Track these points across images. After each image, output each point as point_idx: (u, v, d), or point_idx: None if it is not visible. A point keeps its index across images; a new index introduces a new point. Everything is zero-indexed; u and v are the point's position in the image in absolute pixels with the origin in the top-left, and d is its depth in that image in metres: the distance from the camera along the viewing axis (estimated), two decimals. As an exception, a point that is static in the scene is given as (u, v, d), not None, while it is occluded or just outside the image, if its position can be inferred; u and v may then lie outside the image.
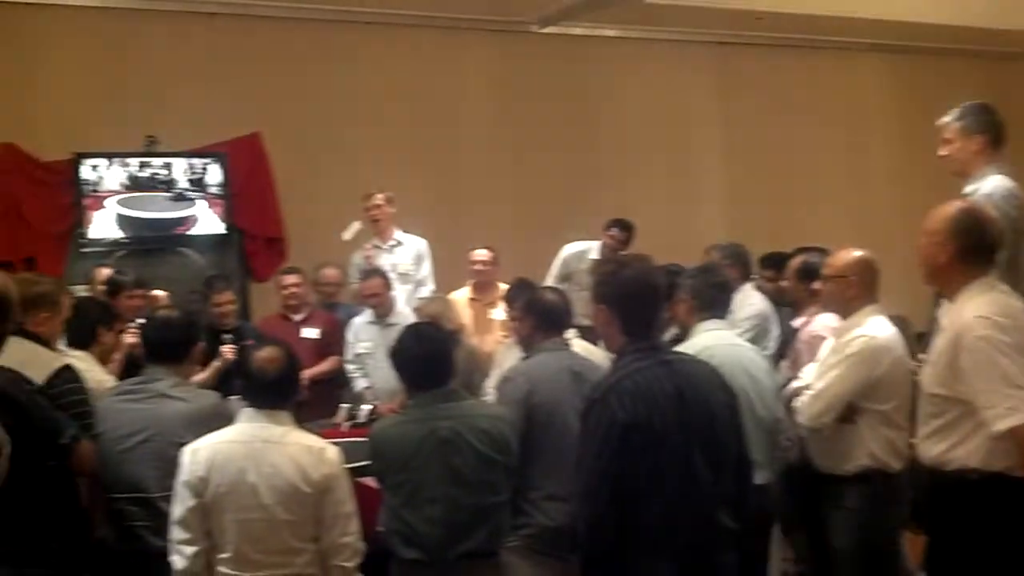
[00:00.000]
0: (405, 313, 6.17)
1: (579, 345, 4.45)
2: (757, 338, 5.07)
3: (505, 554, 3.51)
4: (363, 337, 6.21)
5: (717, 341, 3.95)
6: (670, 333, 4.33)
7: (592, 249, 7.11)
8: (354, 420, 5.76)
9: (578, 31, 8.88)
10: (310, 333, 6.33)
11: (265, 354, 3.25)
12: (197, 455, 3.18)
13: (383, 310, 6.17)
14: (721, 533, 2.77)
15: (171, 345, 3.84)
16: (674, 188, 9.16)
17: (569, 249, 7.24)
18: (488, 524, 3.35)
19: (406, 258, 6.84)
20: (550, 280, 6.93)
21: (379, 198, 6.83)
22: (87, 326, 4.38)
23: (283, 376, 3.25)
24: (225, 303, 6.02)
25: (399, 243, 6.89)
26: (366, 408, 5.87)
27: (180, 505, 3.16)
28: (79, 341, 4.35)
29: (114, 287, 5.53)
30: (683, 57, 9.39)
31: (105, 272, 5.81)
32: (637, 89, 9.16)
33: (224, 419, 3.47)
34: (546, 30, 8.64)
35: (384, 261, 6.72)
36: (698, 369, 2.89)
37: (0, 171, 6.94)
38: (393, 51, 8.18)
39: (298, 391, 3.37)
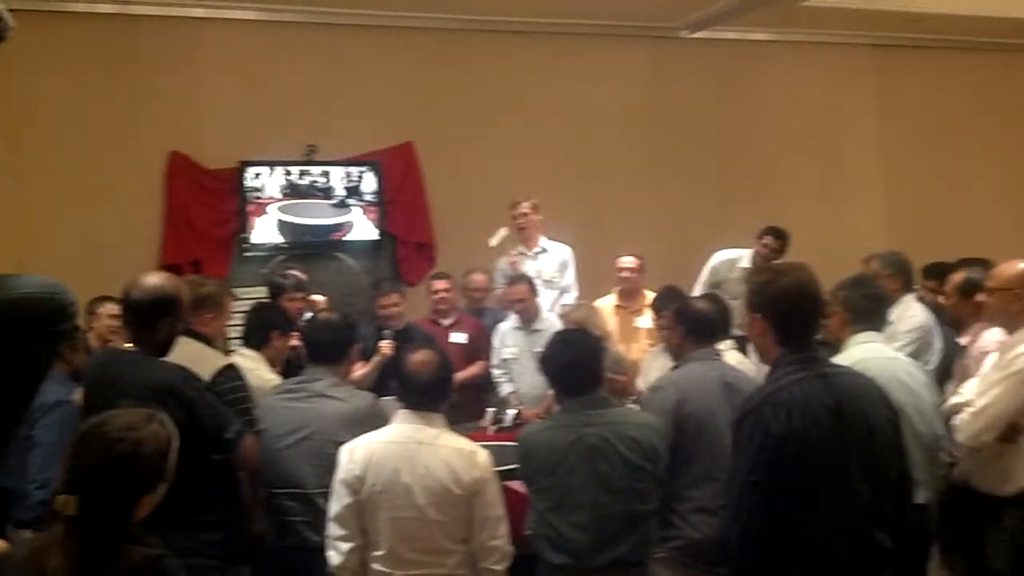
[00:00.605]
0: (550, 319, 6.21)
1: (732, 356, 4.40)
2: (919, 352, 4.88)
3: (652, 565, 3.48)
4: (509, 343, 6.27)
5: (871, 354, 3.79)
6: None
7: (743, 257, 6.99)
8: (500, 424, 5.83)
9: (729, 35, 8.77)
10: (458, 338, 6.40)
11: (419, 357, 3.32)
12: (354, 454, 3.27)
13: (528, 315, 6.21)
14: (877, 552, 2.68)
15: (331, 346, 3.98)
16: (828, 195, 8.93)
17: (719, 257, 7.13)
18: (636, 533, 3.33)
19: (551, 265, 6.86)
20: (698, 288, 6.85)
21: (525, 206, 6.86)
22: (262, 329, 4.63)
23: (436, 379, 3.31)
24: (391, 305, 6.10)
25: (544, 250, 6.91)
26: (511, 412, 5.93)
27: (337, 502, 3.25)
28: (252, 342, 4.61)
29: (276, 289, 5.76)
30: (838, 60, 9.15)
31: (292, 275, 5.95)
32: (789, 93, 8.98)
33: (379, 419, 3.57)
34: (696, 35, 8.55)
35: (529, 268, 6.76)
36: (858, 382, 2.79)
37: (170, 178, 7.30)
38: (541, 58, 8.25)
39: (451, 394, 3.43)
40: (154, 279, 3.40)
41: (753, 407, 2.67)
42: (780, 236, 6.86)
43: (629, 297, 6.50)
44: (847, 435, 2.64)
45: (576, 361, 3.42)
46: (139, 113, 7.21)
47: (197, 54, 7.42)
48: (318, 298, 5.97)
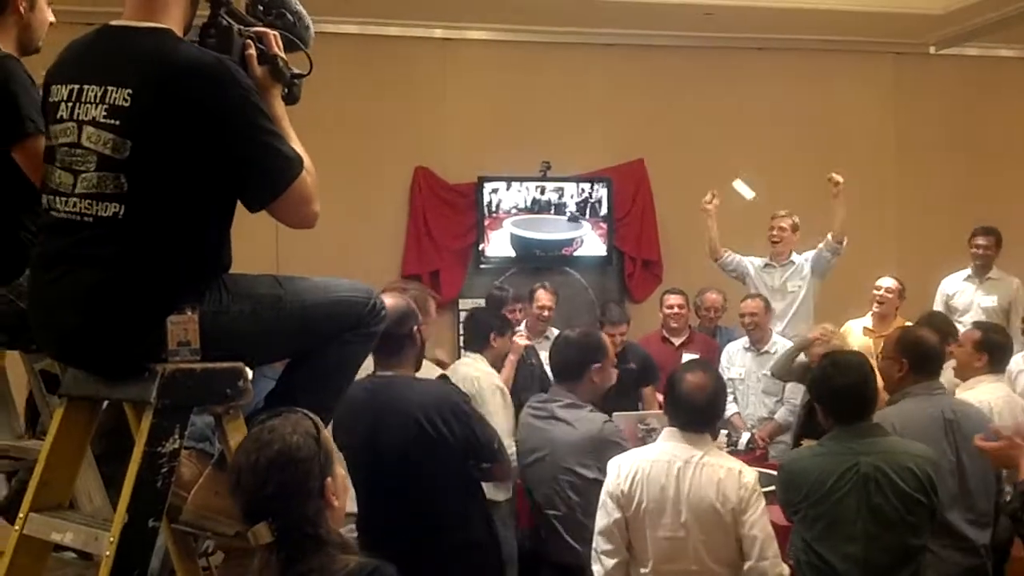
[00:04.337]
0: (782, 342, 6.08)
1: (994, 389, 4.18)
2: None
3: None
4: (736, 362, 6.20)
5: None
6: None
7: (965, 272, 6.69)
8: (733, 447, 5.74)
9: (972, 52, 8.43)
10: (689, 357, 6.36)
11: (694, 379, 3.28)
12: (622, 469, 3.28)
13: (758, 334, 6.10)
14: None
15: (569, 365, 3.92)
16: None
17: (945, 281, 6.85)
18: (908, 568, 3.21)
19: (796, 277, 6.63)
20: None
21: (784, 222, 6.63)
22: (481, 332, 5.04)
23: (710, 402, 3.29)
24: (619, 335, 5.94)
25: (792, 263, 6.67)
26: (745, 436, 5.85)
27: (604, 516, 3.28)
28: (475, 345, 5.02)
29: (496, 302, 6.06)
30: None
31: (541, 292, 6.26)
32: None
33: (608, 444, 3.60)
34: (942, 52, 8.24)
35: (774, 278, 6.63)
36: None
37: (414, 192, 7.62)
38: (776, 74, 8.12)
39: (722, 415, 3.40)
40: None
41: None
42: (990, 233, 6.59)
43: (882, 321, 6.20)
44: None
45: (849, 387, 3.33)
46: (390, 129, 7.48)
47: (441, 73, 7.68)
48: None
